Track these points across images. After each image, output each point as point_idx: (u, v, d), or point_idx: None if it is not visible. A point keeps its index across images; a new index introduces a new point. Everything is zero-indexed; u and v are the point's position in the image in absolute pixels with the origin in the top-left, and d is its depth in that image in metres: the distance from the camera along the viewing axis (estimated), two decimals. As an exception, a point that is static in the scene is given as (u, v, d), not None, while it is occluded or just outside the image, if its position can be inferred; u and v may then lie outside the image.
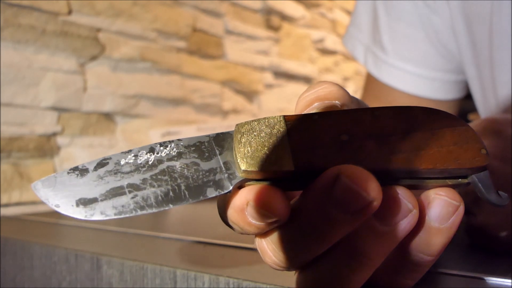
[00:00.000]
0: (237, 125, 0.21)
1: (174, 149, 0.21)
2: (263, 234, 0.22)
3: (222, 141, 0.22)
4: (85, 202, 0.21)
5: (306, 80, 1.40)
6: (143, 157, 0.21)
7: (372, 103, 0.56)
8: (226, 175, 0.21)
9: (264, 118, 0.21)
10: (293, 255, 0.21)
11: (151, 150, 0.22)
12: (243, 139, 0.21)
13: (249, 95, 1.18)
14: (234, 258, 0.33)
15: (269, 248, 0.22)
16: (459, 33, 0.49)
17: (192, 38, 1.00)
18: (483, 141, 0.21)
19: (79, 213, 0.21)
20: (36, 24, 0.72)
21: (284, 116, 0.21)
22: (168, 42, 0.94)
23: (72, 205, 0.21)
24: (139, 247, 0.38)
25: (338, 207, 0.18)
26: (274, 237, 0.21)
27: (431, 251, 0.21)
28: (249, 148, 0.21)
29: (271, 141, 0.21)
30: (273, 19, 1.26)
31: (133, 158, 0.21)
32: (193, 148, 0.22)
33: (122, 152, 0.22)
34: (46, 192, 0.21)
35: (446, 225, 0.21)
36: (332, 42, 1.52)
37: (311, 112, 0.21)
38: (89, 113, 0.80)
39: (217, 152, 0.22)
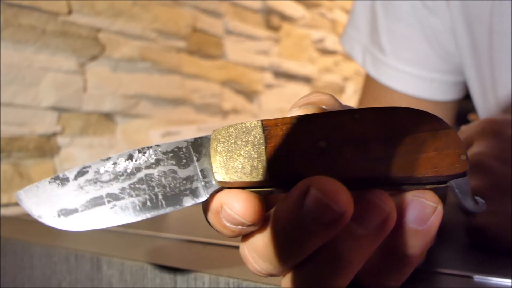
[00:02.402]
0: (214, 131, 0.21)
1: (152, 155, 0.21)
2: (244, 238, 0.22)
3: (200, 146, 0.22)
4: (66, 213, 0.21)
5: (306, 80, 1.40)
6: (122, 164, 0.21)
7: (371, 104, 0.56)
8: (202, 183, 0.21)
9: (242, 123, 0.21)
10: (273, 263, 0.21)
11: (130, 157, 0.21)
12: (219, 147, 0.20)
13: (249, 95, 1.18)
14: (234, 258, 0.33)
15: (250, 255, 0.22)
16: (459, 34, 0.49)
17: (192, 38, 1.00)
18: (464, 146, 0.20)
19: (60, 224, 0.21)
20: (36, 24, 0.72)
21: (262, 121, 0.21)
22: (168, 42, 0.94)
23: (54, 216, 0.21)
24: (139, 247, 0.38)
25: (310, 219, 0.19)
26: (254, 243, 0.21)
27: (412, 252, 0.21)
28: (224, 157, 0.20)
29: (247, 149, 0.20)
30: (273, 19, 1.26)
31: (112, 166, 0.21)
32: (171, 154, 0.21)
33: (101, 160, 0.22)
34: (29, 202, 0.21)
35: (424, 227, 0.21)
36: (332, 42, 1.52)
37: (294, 114, 0.21)
38: (89, 113, 0.80)
39: (195, 158, 0.21)
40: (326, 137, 0.20)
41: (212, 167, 0.20)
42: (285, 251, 0.20)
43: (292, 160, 0.20)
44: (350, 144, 0.20)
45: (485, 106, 0.51)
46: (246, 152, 0.20)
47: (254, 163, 0.20)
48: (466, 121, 0.46)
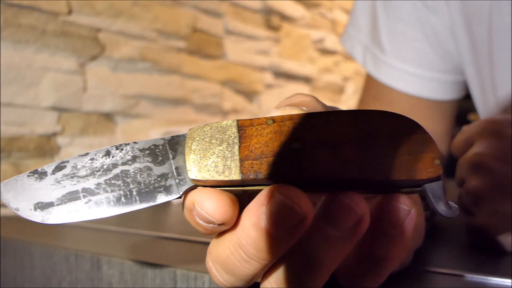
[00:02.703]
0: (190, 129, 0.21)
1: (129, 152, 0.22)
2: (209, 250, 0.22)
3: (176, 144, 0.22)
4: (42, 206, 0.21)
5: (306, 80, 1.40)
6: (99, 160, 0.22)
7: (371, 104, 0.56)
8: (177, 180, 0.21)
9: (218, 123, 0.21)
10: (235, 274, 0.21)
11: (107, 153, 0.22)
12: (194, 146, 0.21)
13: (249, 95, 1.18)
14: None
15: (214, 267, 0.22)
16: (458, 33, 0.49)
17: (192, 38, 1.00)
18: (439, 150, 0.20)
19: (36, 217, 0.21)
20: (36, 24, 0.72)
21: (238, 121, 0.21)
22: (168, 42, 0.94)
23: (30, 209, 0.21)
24: (139, 247, 0.38)
25: (272, 223, 0.19)
26: (217, 255, 0.21)
27: (386, 255, 0.21)
28: (198, 155, 0.20)
29: (221, 148, 0.20)
30: (273, 19, 1.26)
31: (90, 161, 0.22)
32: (148, 151, 0.22)
33: (79, 155, 0.22)
34: (7, 195, 0.21)
35: (398, 230, 0.21)
36: (332, 42, 1.52)
37: (272, 115, 0.21)
38: (89, 113, 0.80)
39: (171, 156, 0.22)
40: (300, 138, 0.20)
41: (186, 165, 0.21)
42: (247, 261, 0.20)
43: (264, 160, 0.20)
44: (324, 146, 0.20)
45: (485, 105, 0.51)
46: (220, 151, 0.20)
47: (227, 162, 0.20)
48: (466, 121, 0.46)
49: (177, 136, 0.22)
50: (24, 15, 0.70)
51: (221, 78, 1.08)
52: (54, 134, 0.75)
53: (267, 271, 0.22)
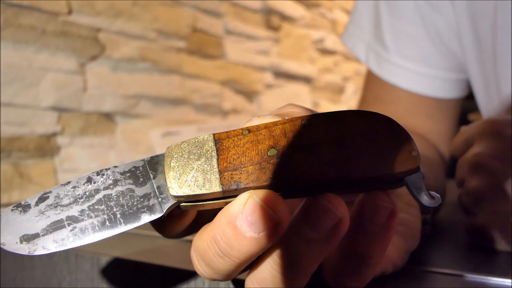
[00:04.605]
0: (168, 148, 0.21)
1: (110, 176, 0.22)
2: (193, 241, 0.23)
3: (156, 164, 0.22)
4: (28, 238, 0.21)
5: (306, 80, 1.40)
6: (81, 187, 0.22)
7: (373, 103, 0.56)
8: (159, 199, 0.21)
9: (194, 138, 0.21)
10: (214, 269, 0.21)
11: (89, 180, 0.22)
12: (173, 163, 0.21)
13: (249, 95, 1.18)
14: (234, 258, 0.33)
15: (196, 258, 0.22)
16: (463, 30, 0.49)
17: (192, 38, 1.00)
18: (414, 143, 0.20)
19: (23, 250, 0.21)
20: (36, 24, 0.72)
21: (214, 135, 0.21)
22: (168, 42, 0.94)
23: (16, 242, 0.21)
24: (139, 247, 0.38)
25: (246, 224, 0.19)
26: (197, 246, 0.22)
27: (370, 253, 0.22)
28: (178, 172, 0.21)
29: (199, 162, 0.21)
30: (273, 19, 1.26)
31: (72, 189, 0.22)
32: (129, 174, 0.22)
33: (61, 185, 0.22)
34: None
35: (380, 228, 0.21)
36: (332, 42, 1.52)
37: (251, 124, 0.22)
38: (89, 113, 0.80)
39: (151, 176, 0.22)
40: (276, 145, 0.20)
41: (166, 182, 0.21)
42: (221, 257, 0.21)
43: (243, 170, 0.20)
44: (300, 150, 0.20)
45: (488, 103, 0.51)
46: (199, 166, 0.21)
47: (207, 175, 0.20)
48: (466, 121, 0.46)
49: (156, 156, 0.22)
50: (24, 15, 0.70)
51: (221, 78, 1.08)
52: (54, 134, 0.75)
53: (250, 270, 0.22)
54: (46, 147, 0.73)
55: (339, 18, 1.57)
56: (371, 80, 0.57)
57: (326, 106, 1.53)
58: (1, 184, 0.66)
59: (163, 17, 0.92)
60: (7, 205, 0.66)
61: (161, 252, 0.36)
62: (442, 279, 0.28)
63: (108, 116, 0.83)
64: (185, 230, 0.24)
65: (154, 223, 0.23)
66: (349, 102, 1.60)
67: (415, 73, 0.53)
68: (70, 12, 0.76)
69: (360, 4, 0.58)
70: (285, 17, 1.31)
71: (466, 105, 0.58)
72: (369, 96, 0.58)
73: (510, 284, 0.26)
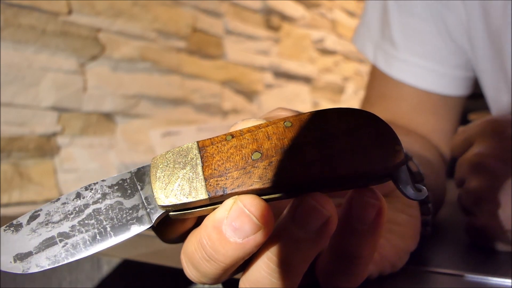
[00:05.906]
0: (153, 159, 0.22)
1: (99, 190, 0.22)
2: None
3: (143, 175, 0.22)
4: (21, 257, 0.22)
5: (306, 80, 1.40)
6: (71, 203, 0.22)
7: (378, 101, 0.56)
8: (148, 210, 0.22)
9: (178, 147, 0.21)
10: (201, 273, 0.22)
11: (78, 195, 0.22)
12: (158, 173, 0.21)
13: (249, 95, 1.18)
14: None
15: (185, 262, 0.22)
16: (474, 27, 0.50)
17: (192, 38, 1.00)
18: (398, 137, 0.20)
19: (17, 268, 0.22)
20: (36, 24, 0.72)
21: (198, 142, 0.21)
22: (168, 42, 0.94)
23: (10, 262, 0.22)
24: (139, 247, 0.38)
25: (230, 229, 0.20)
26: (186, 251, 0.22)
27: (360, 252, 0.22)
28: (164, 182, 0.21)
29: (184, 171, 0.21)
30: (273, 19, 1.26)
31: (62, 206, 0.22)
32: (116, 187, 0.22)
33: (51, 202, 0.23)
34: None
35: (367, 226, 0.21)
36: (332, 42, 1.52)
37: (235, 129, 0.22)
38: (89, 113, 0.80)
39: (139, 187, 0.22)
40: (260, 148, 0.20)
41: (153, 193, 0.21)
42: (207, 261, 0.21)
43: (229, 175, 0.20)
44: (284, 152, 0.20)
45: (498, 100, 0.52)
46: (184, 174, 0.21)
47: (193, 183, 0.20)
48: (466, 121, 0.46)
49: (142, 167, 0.22)
50: (24, 15, 0.70)
51: (221, 78, 1.08)
52: (54, 134, 0.75)
53: (244, 272, 0.22)
54: (46, 147, 0.73)
55: (339, 18, 1.57)
56: (375, 78, 0.58)
57: (326, 106, 1.53)
58: (1, 184, 0.66)
59: (163, 17, 0.92)
60: (7, 205, 0.66)
61: (161, 252, 0.36)
62: (442, 279, 0.28)
63: (108, 116, 0.83)
64: (186, 233, 0.24)
65: (154, 229, 0.23)
66: (349, 102, 1.60)
67: (424, 69, 0.53)
68: (70, 12, 0.76)
69: (368, 5, 0.59)
70: (285, 17, 1.31)
71: (466, 105, 0.58)
72: (373, 93, 0.58)
73: (510, 284, 0.26)
